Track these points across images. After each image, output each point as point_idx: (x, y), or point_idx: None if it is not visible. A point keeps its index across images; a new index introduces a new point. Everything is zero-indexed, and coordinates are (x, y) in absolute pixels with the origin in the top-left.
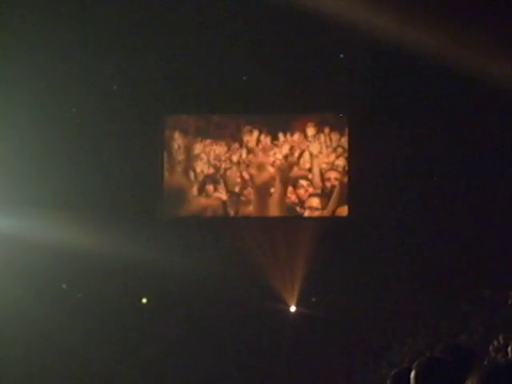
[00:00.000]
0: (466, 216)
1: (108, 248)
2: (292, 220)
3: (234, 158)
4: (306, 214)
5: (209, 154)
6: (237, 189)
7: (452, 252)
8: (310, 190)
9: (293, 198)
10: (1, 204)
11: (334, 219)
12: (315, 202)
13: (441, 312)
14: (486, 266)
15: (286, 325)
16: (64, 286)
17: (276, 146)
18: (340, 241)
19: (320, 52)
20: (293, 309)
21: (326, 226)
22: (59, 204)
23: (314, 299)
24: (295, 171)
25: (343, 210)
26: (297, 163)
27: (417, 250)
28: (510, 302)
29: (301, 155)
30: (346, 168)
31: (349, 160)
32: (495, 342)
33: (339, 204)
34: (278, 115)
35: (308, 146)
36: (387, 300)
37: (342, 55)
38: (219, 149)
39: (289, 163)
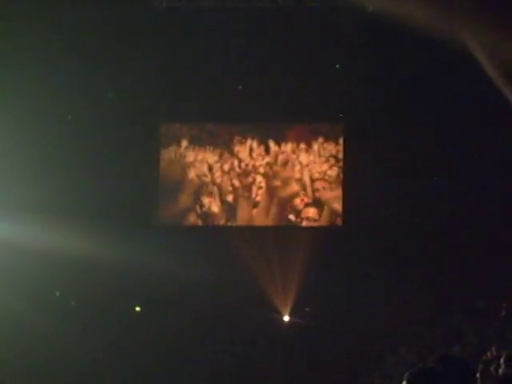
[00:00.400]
0: (462, 227)
1: (102, 256)
2: (286, 229)
3: (226, 167)
4: (304, 224)
5: (202, 162)
6: (230, 198)
7: (446, 263)
8: (306, 199)
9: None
10: None
11: (328, 229)
12: (311, 211)
13: (434, 323)
14: (479, 277)
15: (279, 334)
16: (58, 293)
17: (267, 155)
18: (335, 250)
19: (315, 62)
20: (286, 318)
21: (321, 235)
22: (53, 210)
23: (307, 309)
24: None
25: (336, 219)
26: (284, 172)
27: (411, 260)
28: (503, 314)
29: (286, 163)
30: (340, 178)
31: (344, 169)
32: (488, 354)
33: (334, 214)
34: (271, 124)
35: (298, 156)
36: (381, 310)
37: (337, 65)
38: (212, 157)
39: (276, 172)
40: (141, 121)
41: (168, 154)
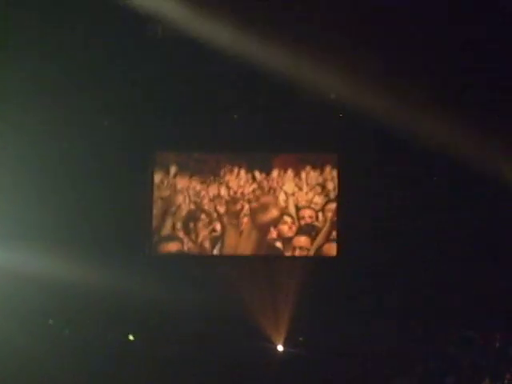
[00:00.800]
0: (456, 258)
1: (96, 284)
2: (278, 259)
3: (214, 195)
4: (297, 253)
5: (189, 190)
6: (218, 226)
7: (441, 293)
8: (294, 227)
9: (273, 234)
10: None
11: (322, 259)
12: (303, 240)
13: (428, 353)
14: (473, 308)
15: (272, 364)
16: (51, 321)
17: (254, 182)
18: (329, 281)
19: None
20: (280, 348)
21: (314, 265)
22: (47, 238)
23: (301, 339)
24: (270, 209)
25: (329, 249)
26: (264, 197)
27: (406, 290)
28: (497, 345)
29: (270, 190)
30: (328, 207)
31: (339, 198)
32: None
33: (323, 243)
34: (258, 153)
35: (284, 184)
36: (375, 341)
37: (332, 95)
38: (199, 185)
39: (257, 198)
40: (137, 149)
41: (158, 181)
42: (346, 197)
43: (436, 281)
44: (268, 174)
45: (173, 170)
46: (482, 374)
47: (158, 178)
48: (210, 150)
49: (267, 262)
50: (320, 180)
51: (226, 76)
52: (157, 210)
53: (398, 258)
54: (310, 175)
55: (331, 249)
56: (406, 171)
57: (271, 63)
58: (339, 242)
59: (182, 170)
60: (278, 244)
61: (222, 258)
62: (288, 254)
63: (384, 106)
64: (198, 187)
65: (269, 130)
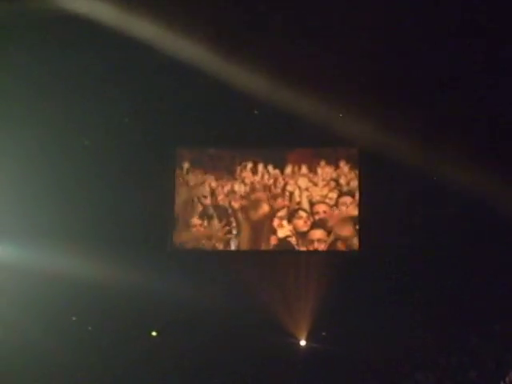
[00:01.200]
0: (479, 250)
1: (118, 280)
2: (297, 253)
3: (229, 190)
4: (315, 246)
5: (204, 185)
6: (233, 222)
7: (463, 286)
8: (309, 222)
9: (284, 229)
10: (11, 234)
11: (344, 253)
12: (319, 233)
13: (451, 347)
14: (496, 301)
15: (295, 359)
16: (74, 318)
17: (268, 179)
18: (352, 275)
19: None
20: (303, 343)
21: (337, 260)
22: (70, 236)
23: (324, 333)
24: (285, 204)
25: (344, 244)
26: (282, 195)
27: (428, 284)
28: None
29: (283, 187)
30: (341, 200)
31: (360, 192)
32: (507, 379)
33: (338, 237)
34: (273, 148)
35: (298, 180)
36: (397, 335)
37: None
38: (214, 181)
39: (276, 195)
40: (158, 145)
41: (178, 177)
42: (367, 191)
43: (460, 274)
44: (282, 169)
45: (188, 165)
46: (506, 368)
47: (179, 174)
48: (225, 145)
49: (285, 257)
50: (334, 175)
51: (240, 73)
52: (178, 206)
53: (420, 251)
54: (325, 170)
55: (347, 243)
56: (427, 163)
57: (286, 61)
58: (361, 236)
59: (197, 165)
60: (293, 239)
61: (238, 253)
62: (303, 248)
63: (404, 102)
64: (213, 183)
65: (283, 125)
